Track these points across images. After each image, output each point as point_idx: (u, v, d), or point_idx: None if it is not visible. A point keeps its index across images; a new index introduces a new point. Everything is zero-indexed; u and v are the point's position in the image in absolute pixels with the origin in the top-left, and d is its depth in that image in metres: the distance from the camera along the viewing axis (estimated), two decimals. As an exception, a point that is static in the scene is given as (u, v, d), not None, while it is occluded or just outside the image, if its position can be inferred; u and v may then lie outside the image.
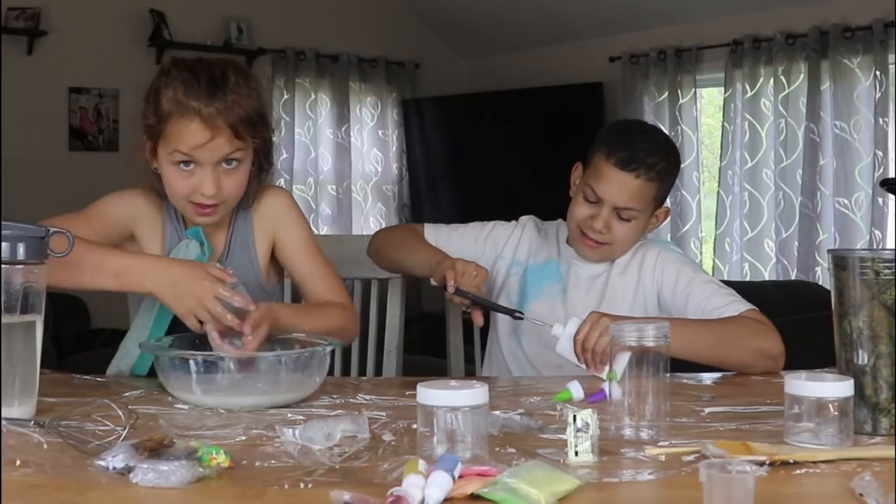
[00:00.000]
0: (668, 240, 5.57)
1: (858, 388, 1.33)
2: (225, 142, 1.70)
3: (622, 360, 1.39)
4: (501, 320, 2.16)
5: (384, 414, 1.45)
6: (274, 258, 1.92)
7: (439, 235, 2.18)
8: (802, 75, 5.05)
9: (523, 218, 2.25)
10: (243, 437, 1.31)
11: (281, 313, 1.69)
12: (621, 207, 2.01)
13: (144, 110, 1.74)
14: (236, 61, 1.86)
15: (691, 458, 1.19)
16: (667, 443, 1.30)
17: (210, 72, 1.72)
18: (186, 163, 1.72)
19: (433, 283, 2.00)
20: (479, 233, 2.21)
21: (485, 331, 2.22)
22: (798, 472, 1.15)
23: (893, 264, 1.34)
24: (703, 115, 5.88)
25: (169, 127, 1.70)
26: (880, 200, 4.73)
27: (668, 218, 2.15)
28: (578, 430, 1.19)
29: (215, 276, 1.63)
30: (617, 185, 2.00)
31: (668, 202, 2.14)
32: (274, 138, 1.86)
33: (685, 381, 1.77)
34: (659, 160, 2.01)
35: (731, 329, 1.90)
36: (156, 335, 1.76)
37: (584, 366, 1.76)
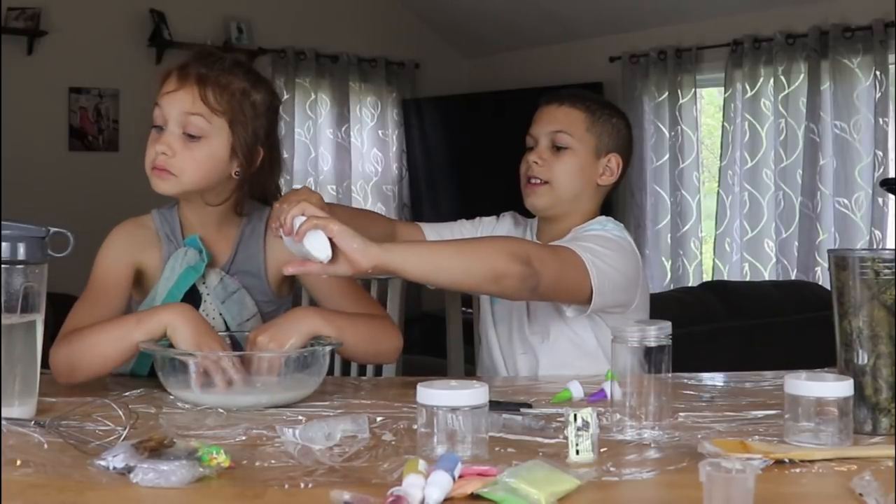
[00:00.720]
0: (669, 239, 5.59)
1: (858, 388, 1.33)
2: (189, 97, 1.69)
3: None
4: (483, 319, 2.16)
5: (384, 414, 1.45)
6: (284, 279, 1.87)
7: (442, 232, 2.17)
8: (802, 75, 5.05)
9: (505, 213, 2.25)
10: (243, 437, 1.31)
11: (314, 320, 1.65)
12: (554, 132, 2.03)
13: None
14: (256, 69, 1.86)
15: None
16: (667, 442, 1.30)
17: (219, 52, 1.76)
18: (159, 128, 1.72)
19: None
20: (474, 228, 2.21)
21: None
22: (798, 471, 1.15)
23: (893, 264, 1.34)
24: (703, 115, 5.88)
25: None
26: (880, 200, 4.73)
27: (621, 170, 2.02)
28: (579, 429, 1.19)
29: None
30: (546, 115, 2.06)
31: (619, 157, 2.04)
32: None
33: (685, 380, 1.77)
34: (588, 100, 2.06)
35: (481, 240, 1.94)
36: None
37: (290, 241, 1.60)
